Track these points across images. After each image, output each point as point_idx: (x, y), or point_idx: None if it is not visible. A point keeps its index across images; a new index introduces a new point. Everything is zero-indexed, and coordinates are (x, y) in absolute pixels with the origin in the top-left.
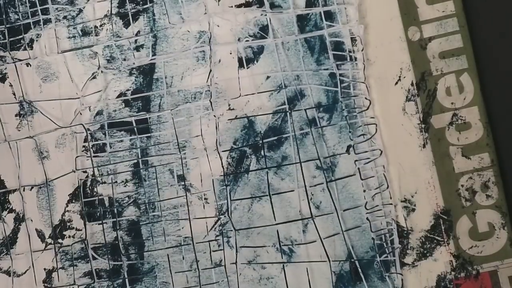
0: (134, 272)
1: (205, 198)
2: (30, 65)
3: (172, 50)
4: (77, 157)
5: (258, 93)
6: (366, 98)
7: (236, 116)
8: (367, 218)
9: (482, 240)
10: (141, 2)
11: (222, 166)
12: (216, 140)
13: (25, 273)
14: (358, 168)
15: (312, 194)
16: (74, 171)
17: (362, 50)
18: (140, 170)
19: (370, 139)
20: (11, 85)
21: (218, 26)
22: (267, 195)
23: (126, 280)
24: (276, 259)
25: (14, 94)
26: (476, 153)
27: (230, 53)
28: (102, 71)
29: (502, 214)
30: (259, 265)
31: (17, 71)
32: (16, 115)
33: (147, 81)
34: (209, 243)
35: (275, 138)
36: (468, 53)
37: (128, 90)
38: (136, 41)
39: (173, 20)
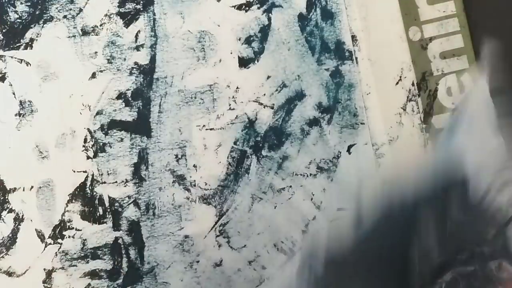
0: (134, 272)
1: (205, 199)
2: (30, 65)
3: (173, 49)
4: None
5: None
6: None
7: (237, 116)
8: None
9: None
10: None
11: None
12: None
13: (24, 273)
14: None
15: (313, 194)
16: (74, 171)
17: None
18: (140, 170)
19: (371, 138)
20: (10, 85)
21: (219, 26)
22: (267, 195)
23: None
24: (277, 259)
25: (14, 93)
26: None
27: (231, 53)
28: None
29: None
30: (260, 265)
31: (16, 71)
32: (15, 115)
33: (147, 81)
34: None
35: None
36: (469, 53)
37: (128, 89)
38: (136, 40)
39: (174, 20)
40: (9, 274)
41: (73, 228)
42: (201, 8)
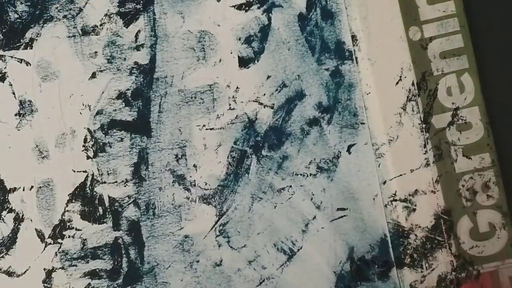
0: (134, 272)
1: (205, 199)
2: (30, 64)
3: (173, 49)
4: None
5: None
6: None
7: (237, 115)
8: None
9: (483, 240)
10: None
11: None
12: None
13: (24, 273)
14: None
15: (313, 194)
16: (74, 171)
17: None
18: (140, 170)
19: (371, 138)
20: (10, 85)
21: (219, 25)
22: (267, 195)
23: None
24: (277, 259)
25: (14, 93)
26: (477, 153)
27: (231, 53)
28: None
29: (503, 214)
30: (260, 265)
31: (16, 71)
32: (15, 115)
33: (147, 81)
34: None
35: None
36: (469, 53)
37: (128, 89)
38: (136, 40)
39: (174, 20)
40: (9, 274)
41: (73, 228)
42: (201, 8)
